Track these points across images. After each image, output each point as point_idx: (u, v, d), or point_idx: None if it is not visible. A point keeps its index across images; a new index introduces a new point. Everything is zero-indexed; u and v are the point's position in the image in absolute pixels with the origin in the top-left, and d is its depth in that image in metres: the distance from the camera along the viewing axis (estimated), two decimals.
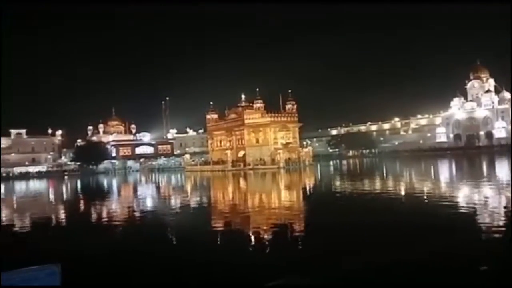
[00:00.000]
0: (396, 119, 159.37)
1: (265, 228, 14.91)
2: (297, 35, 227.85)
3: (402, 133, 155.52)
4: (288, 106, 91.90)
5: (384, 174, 47.46)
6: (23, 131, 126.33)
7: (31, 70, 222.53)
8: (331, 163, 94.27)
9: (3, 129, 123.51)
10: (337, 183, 39.02)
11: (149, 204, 28.39)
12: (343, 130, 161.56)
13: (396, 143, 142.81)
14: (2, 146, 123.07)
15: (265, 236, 13.34)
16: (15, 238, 15.78)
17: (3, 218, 21.84)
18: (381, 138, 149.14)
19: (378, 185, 32.63)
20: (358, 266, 8.37)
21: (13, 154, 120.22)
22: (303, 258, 9.98)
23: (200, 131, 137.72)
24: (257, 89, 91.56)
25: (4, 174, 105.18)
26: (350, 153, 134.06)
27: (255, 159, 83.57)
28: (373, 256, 9.31)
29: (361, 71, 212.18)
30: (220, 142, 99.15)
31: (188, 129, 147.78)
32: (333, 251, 10.40)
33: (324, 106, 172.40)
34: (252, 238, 13.18)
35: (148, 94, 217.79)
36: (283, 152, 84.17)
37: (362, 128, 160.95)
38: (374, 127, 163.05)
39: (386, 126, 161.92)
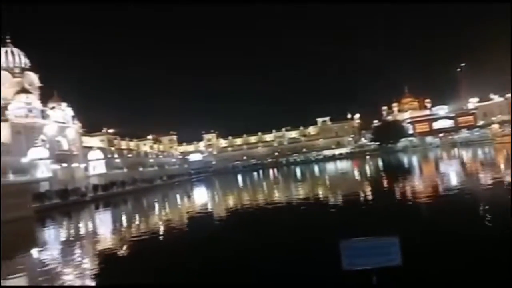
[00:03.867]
0: None
1: None
2: None
3: None
4: None
5: None
6: (327, 118, 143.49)
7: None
8: None
9: (312, 119, 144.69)
10: None
11: (456, 181, 26.36)
12: None
13: None
14: (312, 133, 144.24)
15: None
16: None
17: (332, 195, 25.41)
18: None
19: None
20: None
21: (321, 140, 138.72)
22: None
23: (508, 95, 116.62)
24: None
25: (316, 157, 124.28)
26: None
27: None
28: None
29: None
30: None
31: (492, 96, 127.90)
32: None
33: None
34: None
35: (440, 64, 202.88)
36: None
37: None
38: None
39: None
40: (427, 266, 8.07)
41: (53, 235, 24.31)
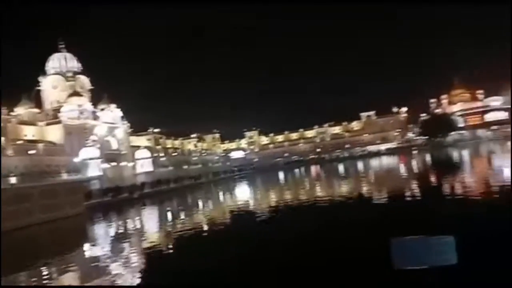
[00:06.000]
0: None
1: None
2: None
3: None
4: None
5: None
6: (372, 113, 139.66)
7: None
8: None
9: (355, 114, 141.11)
10: None
11: None
12: None
13: None
14: (356, 128, 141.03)
15: None
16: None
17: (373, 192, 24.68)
18: None
19: None
20: None
21: (365, 135, 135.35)
22: None
23: None
24: None
25: (360, 153, 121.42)
26: None
27: None
28: None
29: None
30: None
31: None
32: None
33: None
34: None
35: (493, 52, 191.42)
36: None
37: None
38: None
39: None
40: (484, 266, 7.55)
41: (104, 231, 25.35)
